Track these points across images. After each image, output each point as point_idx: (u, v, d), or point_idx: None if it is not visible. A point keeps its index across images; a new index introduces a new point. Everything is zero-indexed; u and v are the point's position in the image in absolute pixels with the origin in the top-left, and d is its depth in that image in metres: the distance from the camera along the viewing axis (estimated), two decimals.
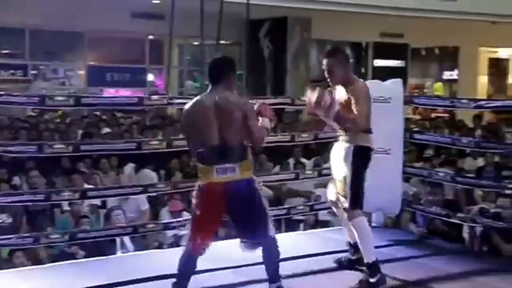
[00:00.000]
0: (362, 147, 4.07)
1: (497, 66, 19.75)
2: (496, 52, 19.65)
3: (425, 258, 4.56)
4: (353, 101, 4.02)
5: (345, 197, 4.06)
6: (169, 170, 8.32)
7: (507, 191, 5.23)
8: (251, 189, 3.57)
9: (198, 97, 3.70)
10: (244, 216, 3.57)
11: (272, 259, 3.65)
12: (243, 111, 3.54)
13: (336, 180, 4.19)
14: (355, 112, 4.00)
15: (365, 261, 4.02)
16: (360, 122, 4.00)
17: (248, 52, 8.05)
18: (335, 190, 4.25)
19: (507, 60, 20.05)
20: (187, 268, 3.65)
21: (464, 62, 18.05)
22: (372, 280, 3.96)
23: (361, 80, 4.29)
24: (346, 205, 4.07)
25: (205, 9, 6.89)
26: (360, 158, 4.06)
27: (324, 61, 4.23)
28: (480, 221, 5.27)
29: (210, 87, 3.63)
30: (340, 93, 4.18)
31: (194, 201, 3.65)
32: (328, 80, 4.25)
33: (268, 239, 3.62)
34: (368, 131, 4.10)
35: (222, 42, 9.44)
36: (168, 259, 4.21)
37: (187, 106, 3.68)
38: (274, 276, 3.66)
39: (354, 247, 4.33)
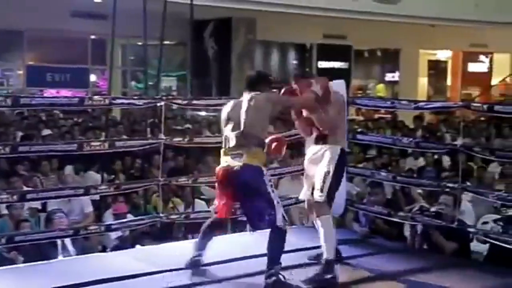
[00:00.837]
0: (343, 150, 4.38)
1: (436, 68, 20.32)
2: (435, 54, 20.22)
3: (368, 257, 4.63)
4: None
5: (321, 190, 4.20)
6: (113, 172, 8.21)
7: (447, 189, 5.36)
8: (255, 175, 3.88)
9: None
10: (248, 200, 3.93)
11: (273, 248, 3.92)
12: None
13: (314, 177, 4.32)
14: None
15: (325, 256, 4.17)
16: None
17: (193, 53, 8.02)
18: (307, 190, 4.39)
19: (445, 62, 20.64)
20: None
21: (405, 64, 18.50)
22: (327, 276, 4.11)
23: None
24: (320, 198, 4.21)
25: (148, 9, 6.81)
26: (343, 160, 4.37)
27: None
28: (420, 219, 5.39)
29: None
30: None
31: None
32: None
33: (274, 227, 3.90)
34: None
35: (166, 42, 9.37)
36: (111, 263, 4.16)
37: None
38: (270, 264, 3.93)
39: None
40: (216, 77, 14.94)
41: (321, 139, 4.34)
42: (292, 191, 7.22)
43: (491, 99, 17.59)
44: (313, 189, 4.34)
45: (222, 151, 4.11)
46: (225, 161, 4.02)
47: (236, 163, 3.93)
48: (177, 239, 6.08)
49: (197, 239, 4.32)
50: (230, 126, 4.10)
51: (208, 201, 7.46)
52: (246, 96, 4.15)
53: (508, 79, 17.04)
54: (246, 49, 14.80)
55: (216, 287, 4.13)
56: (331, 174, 4.24)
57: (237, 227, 6.47)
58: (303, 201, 5.75)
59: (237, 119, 4.06)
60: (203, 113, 12.51)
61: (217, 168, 4.10)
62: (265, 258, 4.01)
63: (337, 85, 5.67)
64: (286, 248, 4.83)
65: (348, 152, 5.52)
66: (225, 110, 4.23)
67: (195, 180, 5.56)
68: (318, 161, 4.34)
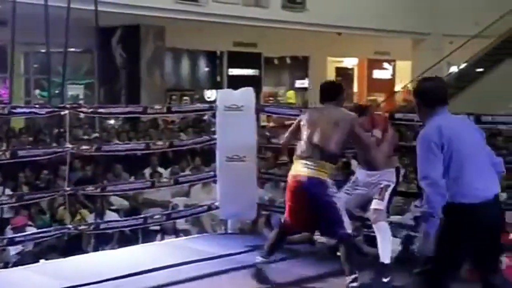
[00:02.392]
0: (398, 168, 4.61)
1: (343, 75, 20.85)
2: (342, 61, 20.78)
3: (280, 263, 4.63)
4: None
5: (381, 200, 4.35)
6: (16, 184, 7.82)
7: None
8: (323, 188, 4.02)
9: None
10: (315, 211, 4.06)
11: (346, 255, 4.02)
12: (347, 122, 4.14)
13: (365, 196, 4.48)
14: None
15: (381, 260, 4.24)
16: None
17: (100, 60, 7.80)
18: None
19: (352, 69, 21.26)
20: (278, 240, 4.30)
21: (313, 71, 18.88)
22: (385, 280, 4.19)
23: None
24: (380, 207, 4.35)
25: (52, 16, 6.56)
26: (398, 176, 4.57)
27: None
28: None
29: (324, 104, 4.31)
30: None
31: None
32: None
33: (341, 236, 4.03)
34: None
35: (72, 49, 9.07)
36: (10, 278, 3.95)
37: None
38: (350, 270, 3.99)
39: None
40: (125, 84, 14.64)
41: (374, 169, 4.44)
42: (203, 198, 7.19)
43: (395, 104, 18.28)
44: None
45: (296, 155, 4.18)
46: (298, 168, 4.10)
47: (305, 173, 4.04)
48: (86, 252, 5.88)
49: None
50: (308, 134, 4.16)
51: (118, 211, 7.29)
52: (329, 108, 4.26)
53: (409, 86, 17.77)
54: (155, 57, 14.59)
55: None
56: (391, 187, 4.41)
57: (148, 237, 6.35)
58: (216, 208, 5.73)
59: (317, 130, 4.13)
60: (112, 122, 12.23)
61: (289, 176, 4.18)
62: (175, 268, 3.89)
63: (246, 93, 5.70)
64: (199, 257, 4.81)
65: (261, 157, 5.56)
66: (305, 117, 4.31)
67: (103, 189, 5.39)
68: (375, 183, 4.44)
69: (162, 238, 6.76)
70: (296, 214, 4.16)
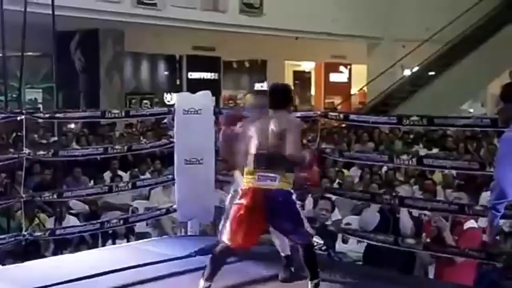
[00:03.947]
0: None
1: (301, 79, 21.04)
2: (299, 65, 20.93)
3: (238, 263, 4.63)
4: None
5: None
6: None
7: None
8: (291, 199, 3.92)
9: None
10: (282, 222, 3.96)
11: (310, 259, 3.98)
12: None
13: None
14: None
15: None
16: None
17: (58, 64, 7.68)
18: None
19: (309, 72, 21.43)
20: (222, 260, 3.98)
21: (271, 74, 18.95)
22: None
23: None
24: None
25: (8, 19, 6.43)
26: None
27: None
28: None
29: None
30: None
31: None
32: None
33: (306, 242, 3.98)
34: None
35: (29, 53, 8.90)
36: None
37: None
38: (312, 274, 3.95)
39: (287, 259, 4.38)
40: (84, 89, 14.45)
41: None
42: (163, 201, 7.17)
43: (351, 107, 18.51)
44: None
45: (247, 169, 3.94)
46: (251, 181, 3.90)
47: (269, 185, 3.85)
48: (45, 256, 5.79)
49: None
50: (261, 145, 3.94)
51: (78, 215, 7.20)
52: (276, 116, 3.98)
53: (365, 88, 18.02)
54: (114, 61, 14.44)
55: None
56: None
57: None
58: (174, 211, 5.72)
59: (267, 139, 3.93)
60: (72, 125, 12.05)
61: (245, 189, 3.92)
62: (134, 270, 3.86)
63: (204, 96, 5.71)
64: (158, 259, 4.79)
65: (220, 160, 5.54)
66: (254, 127, 4.03)
67: (60, 195, 5.32)
68: None
69: (122, 242, 6.70)
70: (251, 229, 3.93)
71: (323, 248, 5.34)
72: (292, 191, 3.97)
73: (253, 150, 3.97)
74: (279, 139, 3.89)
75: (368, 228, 5.62)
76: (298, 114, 5.32)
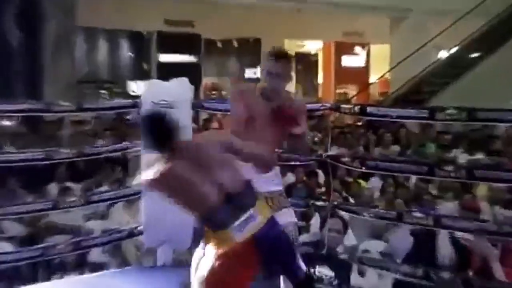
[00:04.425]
0: None
1: (305, 62, 21.01)
2: (303, 45, 20.93)
3: None
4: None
5: None
6: None
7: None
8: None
9: None
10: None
11: None
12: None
13: None
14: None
15: None
16: None
17: None
18: None
19: (315, 55, 21.42)
20: None
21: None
22: None
23: None
24: None
25: None
26: None
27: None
28: None
29: None
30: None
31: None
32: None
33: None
34: None
35: None
36: None
37: None
38: None
39: None
40: (22, 73, 14.35)
41: None
42: (125, 221, 7.12)
43: (369, 98, 18.52)
44: None
45: None
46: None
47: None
48: None
49: None
50: None
51: (11, 240, 7.16)
52: None
53: (387, 75, 17.95)
54: (62, 37, 14.38)
55: None
56: None
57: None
58: (140, 234, 5.68)
59: None
60: (7, 122, 11.99)
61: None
62: None
63: (180, 85, 5.67)
64: None
65: None
66: None
67: None
68: None
69: (70, 274, 6.66)
70: None
71: (334, 282, 5.34)
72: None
73: None
74: None
75: (398, 256, 5.59)
76: None
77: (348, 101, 16.76)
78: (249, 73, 19.69)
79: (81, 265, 7.01)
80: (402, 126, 10.98)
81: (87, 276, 6.12)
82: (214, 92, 18.64)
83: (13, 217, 6.56)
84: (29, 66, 14.27)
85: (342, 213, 5.77)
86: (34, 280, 6.30)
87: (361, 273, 6.05)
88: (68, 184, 8.68)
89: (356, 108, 5.57)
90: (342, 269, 5.52)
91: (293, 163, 6.22)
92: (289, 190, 8.41)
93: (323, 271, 5.47)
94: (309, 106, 5.92)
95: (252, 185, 3.83)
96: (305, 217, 6.62)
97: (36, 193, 8.16)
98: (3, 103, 5.92)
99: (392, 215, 5.62)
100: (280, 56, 4.27)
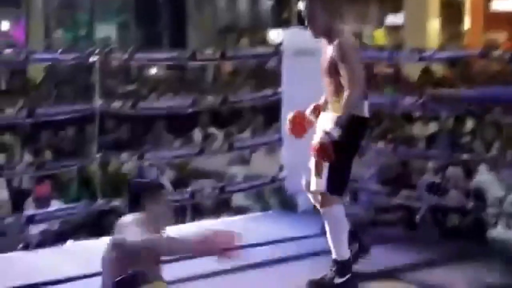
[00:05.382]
0: (354, 116, 4.01)
1: (450, 7, 20.34)
2: None
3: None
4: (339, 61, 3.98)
5: (319, 176, 4.08)
6: (38, 148, 8.12)
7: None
8: None
9: None
10: None
11: None
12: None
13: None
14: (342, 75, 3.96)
15: (334, 257, 4.05)
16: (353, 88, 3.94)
17: None
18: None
19: None
20: None
21: (410, 2, 18.51)
22: (338, 280, 4.01)
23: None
24: (320, 187, 4.08)
25: None
26: (350, 130, 3.97)
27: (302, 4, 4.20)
28: (427, 199, 5.50)
29: None
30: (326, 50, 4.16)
31: None
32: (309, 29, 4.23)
33: None
34: (364, 96, 4.05)
35: None
36: (32, 262, 4.17)
37: None
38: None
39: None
40: (167, 24, 14.78)
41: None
42: (266, 167, 7.28)
43: None
44: None
45: None
46: None
47: None
48: None
49: None
50: None
51: None
52: None
53: None
54: None
55: None
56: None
57: None
58: (282, 181, 5.80)
59: None
60: (154, 71, 12.46)
61: None
62: None
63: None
64: (262, 240, 4.92)
65: None
66: None
67: (140, 157, 5.55)
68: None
69: (216, 216, 6.90)
70: None
71: None
72: None
73: None
74: None
75: None
76: (447, 54, 5.20)
77: (497, 48, 16.18)
78: (389, 20, 19.32)
79: (225, 208, 7.26)
80: None
81: (232, 219, 6.28)
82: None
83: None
84: (174, 17, 14.66)
85: None
86: (182, 222, 6.58)
87: (509, 226, 5.93)
88: (211, 130, 8.97)
89: (507, 55, 5.39)
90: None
91: None
92: (430, 140, 8.29)
93: None
94: (456, 53, 5.83)
95: None
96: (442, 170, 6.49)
97: (181, 138, 8.47)
98: (153, 52, 6.14)
99: None
100: None
